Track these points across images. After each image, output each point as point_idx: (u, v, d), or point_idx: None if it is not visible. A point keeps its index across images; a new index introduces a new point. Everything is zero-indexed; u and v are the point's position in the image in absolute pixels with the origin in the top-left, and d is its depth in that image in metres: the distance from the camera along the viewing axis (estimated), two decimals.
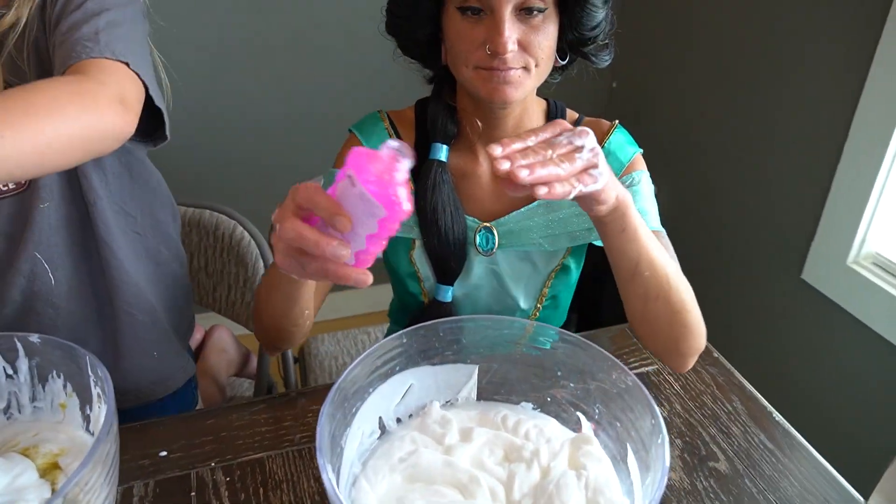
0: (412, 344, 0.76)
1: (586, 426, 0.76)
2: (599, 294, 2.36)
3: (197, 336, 1.45)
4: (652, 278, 0.81)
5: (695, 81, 1.98)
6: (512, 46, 0.80)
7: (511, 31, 0.79)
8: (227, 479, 0.79)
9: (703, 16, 1.91)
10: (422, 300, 1.04)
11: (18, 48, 0.85)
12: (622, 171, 0.96)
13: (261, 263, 1.36)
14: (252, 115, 2.11)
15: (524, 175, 0.62)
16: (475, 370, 0.79)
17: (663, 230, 0.94)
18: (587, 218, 0.95)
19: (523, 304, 1.03)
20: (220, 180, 2.13)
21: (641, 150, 0.99)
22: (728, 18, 1.82)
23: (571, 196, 0.67)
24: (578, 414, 0.77)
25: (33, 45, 0.85)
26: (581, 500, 0.67)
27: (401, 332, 0.75)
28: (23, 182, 0.88)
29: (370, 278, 0.59)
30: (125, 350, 1.01)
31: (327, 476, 0.58)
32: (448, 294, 1.00)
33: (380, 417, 0.76)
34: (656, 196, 0.97)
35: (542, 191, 0.63)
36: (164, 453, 0.82)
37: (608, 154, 0.97)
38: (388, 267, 1.10)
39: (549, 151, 0.65)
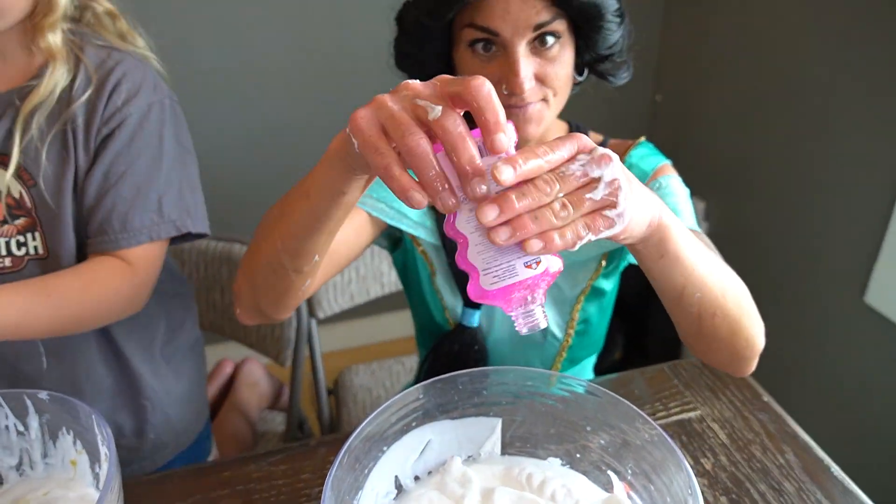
0: (429, 398, 0.72)
1: (618, 487, 0.70)
2: (645, 315, 2.28)
3: (227, 370, 1.44)
4: (704, 298, 0.69)
5: (747, 92, 1.89)
6: (529, 84, 0.75)
7: (527, 69, 0.75)
8: None
9: (760, 18, 1.82)
10: (446, 327, 1.01)
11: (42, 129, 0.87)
12: (647, 180, 0.90)
13: None
14: (285, 138, 2.09)
15: (503, 237, 0.49)
16: (498, 423, 0.74)
17: (700, 230, 0.87)
18: None
19: (554, 329, 0.99)
20: (250, 211, 2.11)
21: (670, 161, 0.93)
22: (787, 24, 1.73)
23: (577, 247, 0.52)
24: (610, 473, 0.71)
25: (60, 134, 0.88)
26: None
27: (417, 385, 0.70)
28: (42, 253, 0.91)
29: (425, 201, 0.50)
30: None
31: None
32: (475, 318, 0.96)
33: (395, 476, 0.71)
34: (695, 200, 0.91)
35: (535, 246, 0.49)
36: None
37: (630, 167, 0.91)
38: (410, 294, 1.07)
39: (556, 186, 0.50)
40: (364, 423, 0.66)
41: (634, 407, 0.66)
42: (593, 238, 0.51)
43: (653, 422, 0.65)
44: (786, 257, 1.76)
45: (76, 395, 0.95)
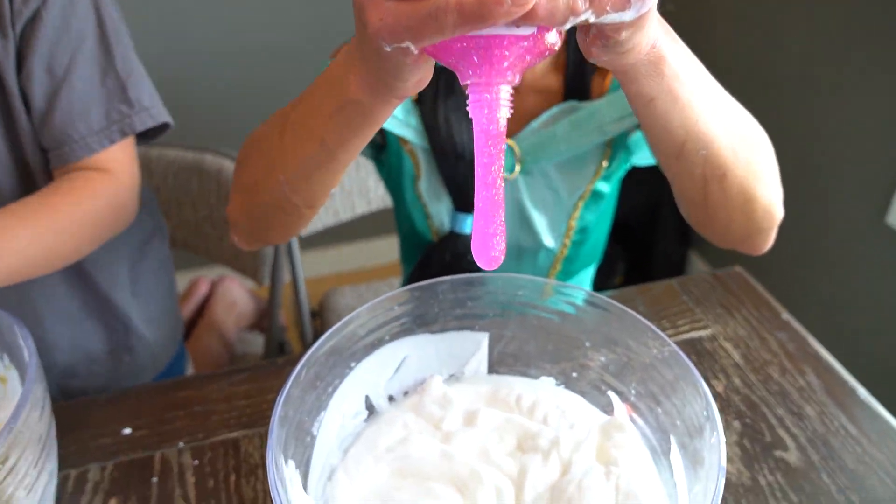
0: (405, 308, 0.62)
1: (620, 409, 0.61)
2: (649, 240, 2.18)
3: (203, 289, 1.35)
4: (710, 156, 0.58)
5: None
6: None
7: None
8: (196, 462, 0.67)
9: None
10: (431, 239, 0.91)
11: None
12: None
13: None
14: (255, 43, 1.93)
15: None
16: (485, 339, 0.65)
17: None
18: (619, 106, 0.80)
19: (548, 239, 0.89)
20: (222, 119, 1.96)
21: None
22: None
23: (568, 25, 0.37)
24: (610, 394, 0.62)
25: None
26: (609, 501, 0.53)
27: (389, 294, 0.61)
28: None
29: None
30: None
31: (275, 478, 0.46)
32: (467, 223, 0.86)
33: (366, 396, 0.63)
34: None
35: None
36: (127, 431, 0.71)
37: None
38: (395, 203, 0.97)
39: None
40: (327, 335, 0.57)
41: (643, 319, 0.57)
42: (593, 19, 0.37)
43: (665, 336, 0.55)
44: (804, 176, 1.65)
45: (36, 321, 0.86)
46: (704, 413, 0.50)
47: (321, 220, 1.38)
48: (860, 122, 1.50)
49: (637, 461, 0.57)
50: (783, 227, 0.70)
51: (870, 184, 1.48)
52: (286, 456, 0.51)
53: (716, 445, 0.47)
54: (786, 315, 0.82)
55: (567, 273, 0.96)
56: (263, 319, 1.47)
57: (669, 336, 0.75)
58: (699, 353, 0.77)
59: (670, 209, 2.12)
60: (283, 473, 0.49)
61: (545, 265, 0.93)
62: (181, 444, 0.69)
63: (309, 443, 0.56)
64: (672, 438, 0.55)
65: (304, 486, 0.54)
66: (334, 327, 0.57)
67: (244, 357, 1.35)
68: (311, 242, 2.13)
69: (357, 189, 1.41)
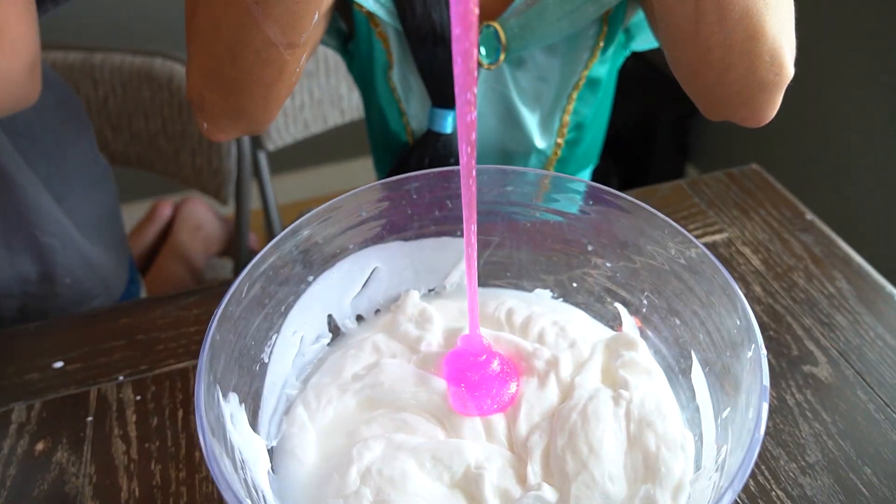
0: (372, 210, 0.52)
1: (629, 322, 0.52)
2: (646, 149, 2.06)
3: (165, 212, 1.24)
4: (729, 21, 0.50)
5: None
6: None
7: None
8: (138, 397, 0.58)
9: None
10: (406, 141, 0.80)
11: None
12: None
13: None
14: None
15: None
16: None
17: None
18: None
19: (539, 139, 0.78)
20: (171, 19, 1.78)
21: None
22: None
23: None
24: (617, 306, 0.53)
25: None
26: (620, 436, 0.44)
27: (351, 192, 0.50)
28: None
29: None
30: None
31: (204, 418, 0.36)
32: (447, 123, 0.74)
33: (329, 316, 0.53)
34: None
35: None
36: (59, 364, 0.61)
37: None
38: (366, 101, 0.85)
39: None
40: (273, 243, 0.46)
41: (662, 215, 0.47)
42: None
43: (688, 233, 0.45)
44: (823, 65, 1.52)
45: None
46: (739, 323, 0.41)
47: (290, 132, 1.25)
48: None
49: (650, 383, 0.48)
50: (800, 121, 0.59)
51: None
52: (225, 389, 0.41)
53: (756, 361, 0.38)
54: (810, 215, 0.72)
55: None
56: (234, 244, 1.36)
57: None
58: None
59: (667, 123, 2.00)
60: (220, 410, 0.40)
61: (521, 203, 0.82)
62: (121, 378, 0.60)
63: (258, 372, 0.47)
64: (693, 355, 0.46)
65: (254, 424, 0.45)
66: (282, 233, 0.47)
67: None
68: (282, 164, 2.00)
69: (328, 98, 1.28)
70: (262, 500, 0.41)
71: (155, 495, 0.52)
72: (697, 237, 0.67)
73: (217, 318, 0.41)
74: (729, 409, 0.41)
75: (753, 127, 0.60)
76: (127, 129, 1.16)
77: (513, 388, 0.47)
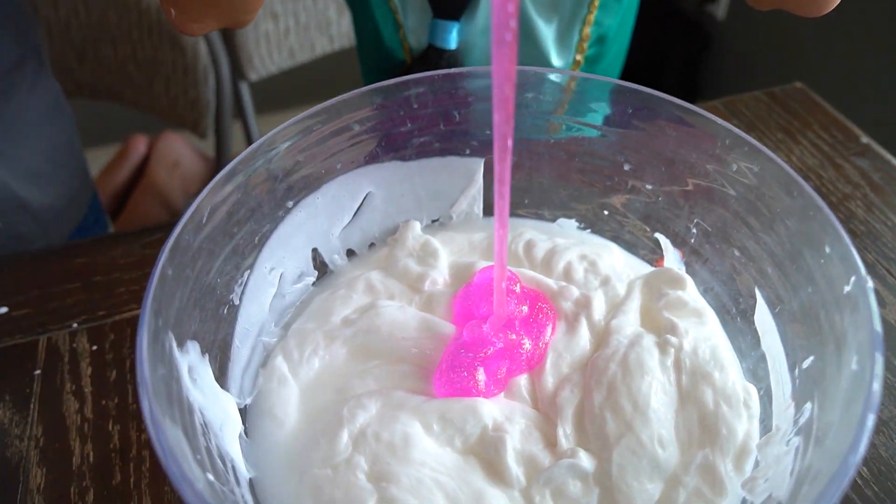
0: (365, 124, 0.43)
1: (672, 256, 0.44)
2: (659, 68, 1.94)
3: (140, 148, 1.14)
4: None
5: None
6: None
7: None
8: (94, 347, 0.50)
9: None
10: (400, 55, 0.70)
11: None
12: None
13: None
14: None
15: None
16: (479, 167, 0.46)
17: None
18: None
19: (555, 56, 0.68)
20: None
21: None
22: None
23: None
24: (658, 236, 0.44)
25: None
26: (670, 390, 0.36)
27: (339, 98, 0.41)
28: None
29: None
30: None
31: (146, 372, 0.28)
32: (452, 36, 0.65)
33: (314, 251, 0.44)
34: None
35: None
36: (3, 310, 0.53)
37: None
38: (354, 13, 0.75)
39: None
40: (241, 158, 0.37)
41: (721, 121, 0.38)
42: None
43: (758, 143, 0.36)
44: None
45: None
46: (829, 251, 0.32)
47: (274, 60, 1.15)
48: None
49: (702, 327, 0.40)
50: (839, 33, 0.49)
51: None
52: (181, 336, 0.33)
53: (859, 298, 0.29)
54: (866, 138, 0.63)
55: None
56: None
57: None
58: None
59: (676, 61, 1.88)
60: (173, 362, 0.32)
61: (544, 112, 0.72)
62: (74, 326, 0.52)
63: (227, 317, 0.38)
64: (758, 293, 0.38)
65: (221, 379, 0.37)
66: (253, 145, 0.38)
67: None
68: (267, 103, 1.89)
69: (315, 23, 1.17)
70: (230, 470, 0.33)
71: (113, 460, 0.44)
72: (701, 197, 0.58)
73: (168, 247, 0.33)
74: (812, 357, 0.33)
75: (813, 16, 0.50)
76: (93, 56, 1.05)
77: (547, 336, 0.39)
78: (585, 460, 0.34)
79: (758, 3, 0.52)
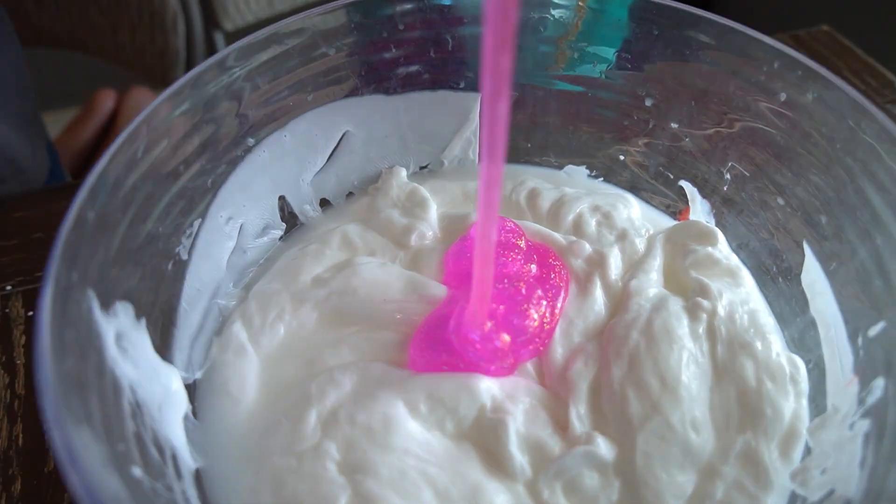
0: (341, 49, 0.36)
1: (699, 206, 0.38)
2: None
3: (107, 104, 1.06)
4: None
5: None
6: None
7: None
8: (30, 313, 0.43)
9: None
10: None
11: None
12: None
13: None
14: None
15: None
16: (476, 104, 0.39)
17: None
18: None
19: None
20: None
21: None
22: None
23: None
24: (684, 184, 0.38)
25: None
26: (703, 363, 0.30)
27: (306, 13, 0.34)
28: None
29: None
30: None
31: (45, 341, 0.21)
32: None
33: (282, 198, 0.38)
34: None
35: None
36: None
37: None
38: None
39: None
40: (186, 79, 0.31)
41: (768, 39, 0.32)
42: None
43: (811, 63, 0.30)
44: None
45: None
46: None
47: (251, 8, 1.06)
48: None
49: (738, 289, 0.34)
50: None
51: None
52: (106, 295, 0.26)
53: None
54: None
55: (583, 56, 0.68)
56: None
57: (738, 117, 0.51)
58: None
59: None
60: (94, 328, 0.25)
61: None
62: (8, 288, 0.45)
63: (171, 274, 0.32)
64: (807, 248, 0.32)
65: (164, 349, 0.30)
66: (201, 66, 0.31)
67: None
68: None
69: None
70: (168, 461, 0.27)
71: (46, 444, 0.38)
72: (738, 136, 0.52)
73: (88, 185, 0.26)
74: (883, 323, 0.27)
75: None
76: (52, 1, 0.96)
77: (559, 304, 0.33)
78: (604, 447, 0.28)
79: None
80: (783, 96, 0.31)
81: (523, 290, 0.32)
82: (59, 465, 0.19)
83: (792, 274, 0.33)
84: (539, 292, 0.31)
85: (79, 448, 0.20)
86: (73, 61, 1.05)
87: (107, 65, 1.03)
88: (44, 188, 0.53)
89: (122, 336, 0.27)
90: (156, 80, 1.00)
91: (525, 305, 0.31)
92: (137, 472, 0.24)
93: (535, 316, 0.31)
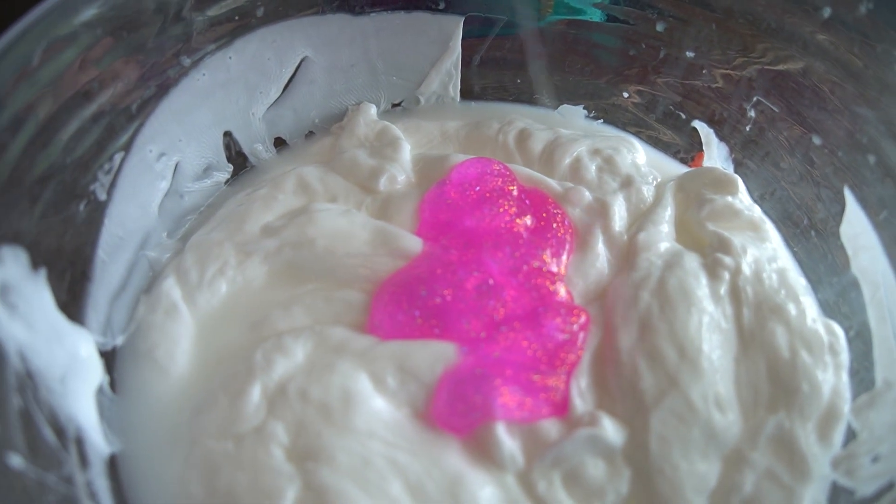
0: None
1: (715, 150, 0.33)
2: None
3: None
4: None
5: None
6: None
7: None
8: None
9: None
10: None
11: None
12: None
13: None
14: None
15: None
16: (458, 28, 0.34)
17: None
18: None
19: None
20: None
21: None
22: None
23: None
24: (698, 124, 0.33)
25: None
26: (727, 329, 0.26)
27: None
28: None
29: None
30: None
31: None
32: None
33: (227, 135, 0.32)
34: None
35: None
36: None
37: None
38: None
39: None
40: None
41: None
42: None
43: None
44: None
45: None
46: None
47: None
48: None
49: (763, 244, 0.29)
50: None
51: None
52: None
53: None
54: None
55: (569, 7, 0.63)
56: None
57: (741, 65, 0.45)
58: (789, 89, 0.48)
59: None
60: None
61: None
62: None
63: (84, 217, 0.26)
64: (848, 194, 0.27)
65: (73, 307, 0.24)
66: None
67: None
68: None
69: None
70: (70, 446, 0.21)
71: None
72: (767, 63, 0.47)
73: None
74: None
75: None
76: None
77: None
78: (611, 430, 0.23)
79: None
80: (827, 11, 0.26)
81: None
82: None
83: (828, 226, 0.28)
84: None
85: None
86: None
87: None
88: None
89: (9, 289, 0.21)
90: None
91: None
92: (16, 461, 0.18)
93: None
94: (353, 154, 0.32)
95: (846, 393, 0.25)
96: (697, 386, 0.24)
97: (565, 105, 0.36)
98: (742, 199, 0.30)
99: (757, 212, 0.30)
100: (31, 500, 0.18)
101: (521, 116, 0.35)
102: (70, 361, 0.23)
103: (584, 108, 0.36)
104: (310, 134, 0.35)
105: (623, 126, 0.35)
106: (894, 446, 0.22)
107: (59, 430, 0.21)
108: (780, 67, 0.29)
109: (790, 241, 0.30)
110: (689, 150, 0.33)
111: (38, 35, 0.23)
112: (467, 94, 0.36)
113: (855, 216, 0.27)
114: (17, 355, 0.21)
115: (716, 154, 0.32)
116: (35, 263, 0.23)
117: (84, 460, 0.22)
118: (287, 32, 0.31)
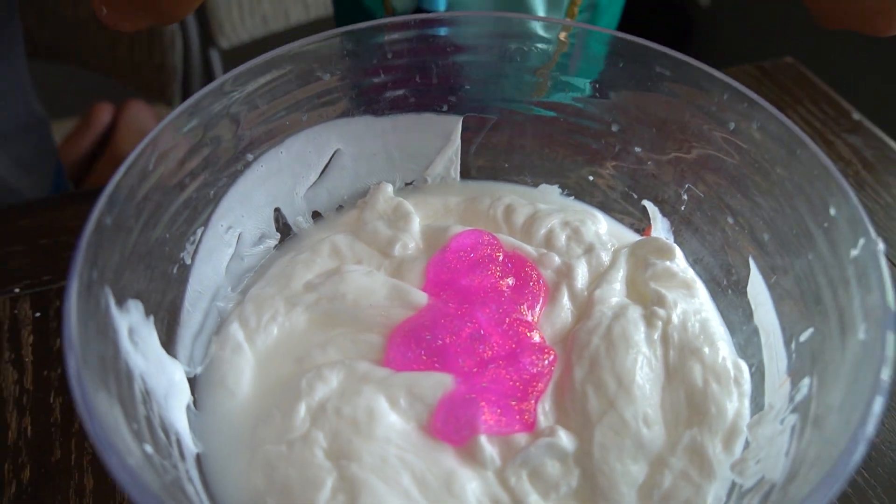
0: (334, 75, 0.39)
1: (661, 224, 0.41)
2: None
3: (104, 117, 1.09)
4: None
5: None
6: None
7: None
8: (37, 314, 0.46)
9: None
10: (380, 14, 0.66)
11: None
12: None
13: None
14: None
15: None
16: (457, 126, 0.43)
17: None
18: None
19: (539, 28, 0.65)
20: None
21: None
22: None
23: None
24: (647, 203, 0.41)
25: None
26: (656, 366, 0.34)
27: (302, 41, 0.37)
28: None
29: None
30: None
31: (71, 328, 0.24)
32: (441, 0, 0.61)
33: (276, 210, 0.41)
34: None
35: None
36: None
37: None
38: None
39: None
40: (192, 100, 0.34)
41: (721, 74, 0.35)
42: None
43: (761, 100, 0.34)
44: None
45: None
46: (834, 213, 0.30)
47: (246, 27, 1.10)
48: None
49: (692, 299, 0.37)
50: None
51: None
52: (121, 293, 0.29)
53: (868, 262, 0.27)
54: (857, 115, 0.61)
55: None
56: None
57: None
58: None
59: (663, 36, 1.85)
60: (110, 321, 0.28)
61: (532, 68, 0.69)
62: (16, 291, 0.48)
63: (177, 277, 0.35)
64: (752, 263, 0.36)
65: (169, 344, 0.33)
66: (205, 88, 0.34)
67: None
68: (233, 54, 1.83)
69: None
70: (174, 444, 0.30)
71: (53, 435, 0.40)
72: (694, 160, 0.56)
73: (107, 194, 0.29)
74: (812, 329, 0.31)
75: (882, 36, 0.48)
76: (52, 14, 0.99)
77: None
78: (565, 439, 0.31)
79: (825, 22, 0.49)
80: (732, 125, 0.35)
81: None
82: (95, 442, 0.22)
83: (740, 287, 0.36)
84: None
85: (102, 412, 0.22)
86: (73, 74, 1.08)
87: (105, 78, 1.06)
88: (48, 197, 0.56)
89: (134, 331, 0.30)
90: (152, 94, 1.03)
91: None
92: (149, 449, 0.26)
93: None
94: (374, 225, 0.40)
95: (746, 415, 0.33)
96: (630, 408, 0.32)
97: (544, 184, 0.44)
98: (679, 263, 0.38)
99: (690, 273, 0.38)
100: (161, 475, 0.26)
101: (508, 193, 0.43)
102: (169, 384, 0.31)
103: (558, 187, 0.44)
104: (340, 207, 0.43)
105: (590, 202, 0.44)
106: (768, 452, 0.30)
107: (166, 432, 0.29)
108: (703, 163, 0.37)
109: (715, 297, 0.38)
110: (641, 222, 0.42)
111: (152, 148, 0.32)
112: (465, 174, 0.45)
113: (756, 279, 0.35)
114: (139, 378, 0.29)
115: (660, 227, 0.41)
116: (147, 312, 0.31)
117: (182, 455, 0.30)
118: (324, 132, 0.40)
